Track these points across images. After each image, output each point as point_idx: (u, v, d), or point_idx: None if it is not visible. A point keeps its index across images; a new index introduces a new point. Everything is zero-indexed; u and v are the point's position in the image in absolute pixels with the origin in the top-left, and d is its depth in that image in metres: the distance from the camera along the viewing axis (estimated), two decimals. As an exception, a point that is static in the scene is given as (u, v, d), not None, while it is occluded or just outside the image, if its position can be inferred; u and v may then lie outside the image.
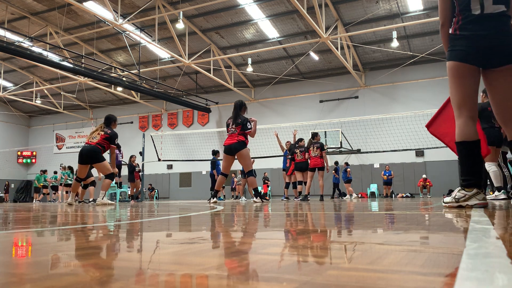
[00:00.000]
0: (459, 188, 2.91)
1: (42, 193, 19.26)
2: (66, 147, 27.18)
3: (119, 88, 21.45)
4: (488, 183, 6.39)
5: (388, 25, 15.55)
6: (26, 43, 18.23)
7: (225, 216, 2.89)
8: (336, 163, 15.25)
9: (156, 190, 22.56)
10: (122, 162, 13.57)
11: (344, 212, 3.15)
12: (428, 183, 16.54)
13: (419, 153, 18.15)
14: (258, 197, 7.18)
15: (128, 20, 14.86)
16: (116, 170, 9.32)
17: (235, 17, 16.72)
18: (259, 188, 14.33)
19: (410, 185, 18.25)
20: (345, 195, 15.43)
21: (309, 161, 10.23)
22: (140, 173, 13.94)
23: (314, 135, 10.44)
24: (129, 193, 15.02)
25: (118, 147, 8.18)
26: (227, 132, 7.24)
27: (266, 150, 15.19)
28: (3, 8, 16.26)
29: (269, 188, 18.92)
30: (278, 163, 16.18)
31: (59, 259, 0.91)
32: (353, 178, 16.73)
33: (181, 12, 14.90)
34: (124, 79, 18.89)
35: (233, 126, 7.08)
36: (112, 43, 19.46)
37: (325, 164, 9.95)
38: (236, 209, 4.33)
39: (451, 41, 2.97)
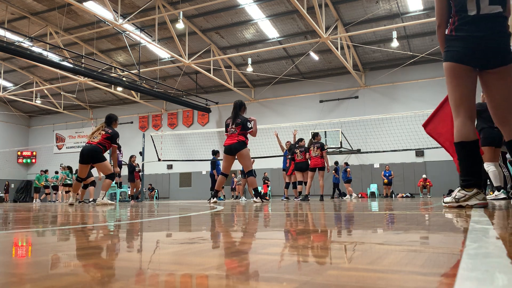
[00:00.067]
0: (459, 188, 2.91)
1: (45, 193, 19.25)
2: (66, 147, 27.18)
3: (119, 88, 21.45)
4: (488, 183, 6.39)
5: (388, 25, 15.55)
6: (26, 43, 18.23)
7: (225, 216, 2.89)
8: (336, 163, 15.25)
9: (156, 190, 22.56)
10: (122, 162, 13.58)
11: (344, 212, 3.15)
12: (428, 183, 16.55)
13: (419, 153, 18.15)
14: (258, 197, 7.18)
15: (128, 20, 14.86)
16: (118, 169, 9.31)
17: (235, 17, 16.72)
18: (259, 188, 14.34)
19: (410, 185, 18.26)
20: (345, 195, 15.43)
21: (309, 161, 10.23)
22: (140, 173, 13.95)
23: (315, 135, 10.43)
24: (129, 193, 15.02)
25: (118, 147, 8.17)
26: (226, 132, 7.25)
27: (266, 150, 15.18)
28: (3, 8, 16.26)
29: (269, 188, 18.93)
30: (278, 163, 16.18)
31: (59, 259, 0.91)
32: (353, 178, 16.73)
33: (181, 12, 14.90)
34: (124, 79, 18.89)
35: (233, 126, 7.08)
36: (112, 43, 19.46)
37: (326, 164, 9.95)
38: (236, 209, 4.33)
39: (447, 42, 2.97)
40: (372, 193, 18.43)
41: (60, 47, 16.64)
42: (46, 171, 19.54)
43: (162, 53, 19.11)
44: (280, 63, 19.99)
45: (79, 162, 7.57)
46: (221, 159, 7.71)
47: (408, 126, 13.87)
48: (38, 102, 24.18)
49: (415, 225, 1.73)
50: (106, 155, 8.07)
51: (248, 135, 7.18)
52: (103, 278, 0.66)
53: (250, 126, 7.05)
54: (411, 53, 17.63)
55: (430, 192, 16.64)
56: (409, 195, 17.57)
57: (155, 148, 15.19)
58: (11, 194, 25.34)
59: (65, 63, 16.74)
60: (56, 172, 19.32)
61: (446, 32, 2.99)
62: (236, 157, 7.12)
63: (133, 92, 21.96)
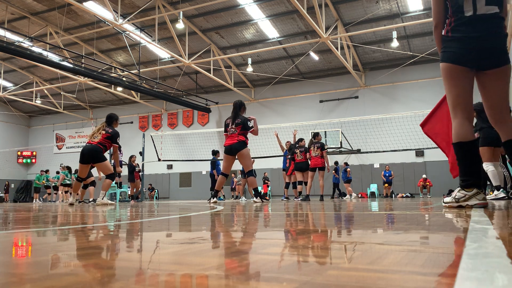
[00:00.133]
0: (459, 188, 2.92)
1: (47, 193, 19.24)
2: (66, 147, 27.18)
3: (119, 88, 21.45)
4: (488, 183, 6.39)
5: (388, 25, 15.55)
6: (26, 43, 18.23)
7: (225, 216, 2.89)
8: (336, 163, 15.26)
9: (156, 190, 22.57)
10: (122, 162, 13.58)
11: (344, 212, 3.15)
12: (428, 183, 16.55)
13: (419, 153, 18.15)
14: (258, 197, 7.18)
15: (128, 20, 14.86)
16: (121, 169, 9.31)
17: (235, 17, 16.72)
18: (259, 188, 14.33)
19: (410, 185, 18.25)
20: (345, 195, 15.43)
21: (309, 161, 10.23)
22: (140, 173, 13.95)
23: (315, 135, 10.44)
24: (129, 193, 15.02)
25: (119, 146, 8.16)
26: (225, 132, 7.25)
27: (266, 150, 15.18)
28: (3, 8, 16.26)
29: (269, 188, 18.93)
30: (278, 163, 16.18)
31: (59, 259, 0.91)
32: (353, 178, 16.74)
33: (181, 12, 14.90)
34: (124, 79, 18.89)
35: (233, 126, 7.08)
36: (112, 43, 19.46)
37: (326, 164, 9.95)
38: (236, 209, 4.33)
39: (444, 42, 2.97)
40: (372, 193, 18.43)
41: (60, 47, 16.64)
42: (47, 171, 19.53)
43: (162, 53, 19.11)
44: (280, 63, 19.99)
45: (79, 162, 7.56)
46: (221, 159, 7.71)
47: (408, 126, 13.87)
48: (38, 102, 24.18)
49: (415, 225, 1.73)
50: (107, 155, 8.05)
51: (250, 135, 7.18)
52: (103, 278, 0.66)
53: (251, 125, 7.05)
54: (411, 53, 17.63)
55: (430, 192, 16.64)
56: (409, 195, 17.57)
57: (155, 148, 15.19)
58: (11, 194, 25.34)
59: (65, 63, 16.74)
60: (58, 172, 19.33)
61: (443, 33, 2.99)
62: (236, 157, 7.13)
63: (133, 92, 21.96)
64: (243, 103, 7.36)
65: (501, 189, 5.73)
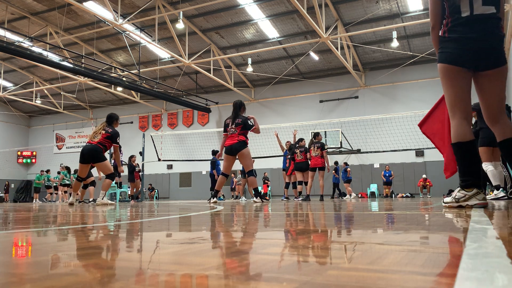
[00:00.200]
0: (459, 188, 2.92)
1: (49, 193, 19.24)
2: (66, 147, 27.18)
3: (119, 88, 21.45)
4: (488, 183, 6.38)
5: (388, 25, 15.55)
6: (26, 43, 18.22)
7: (225, 216, 2.89)
8: (336, 163, 15.26)
9: (156, 190, 22.57)
10: (122, 162, 13.57)
11: (344, 212, 3.15)
12: (428, 183, 16.54)
13: (419, 153, 18.14)
14: (258, 197, 7.19)
15: (128, 20, 14.86)
16: (123, 169, 9.30)
17: (235, 17, 16.72)
18: (259, 188, 14.34)
19: (410, 185, 18.25)
20: (345, 195, 15.43)
21: (309, 161, 10.23)
22: (140, 173, 13.95)
23: (316, 135, 10.44)
24: (129, 193, 15.03)
25: (119, 147, 8.16)
26: (224, 132, 7.26)
27: (266, 150, 15.19)
28: (3, 8, 16.26)
29: (269, 188, 18.93)
30: (278, 163, 16.18)
31: (59, 259, 0.91)
32: (353, 178, 16.75)
33: (181, 12, 14.90)
34: (124, 79, 18.89)
35: (233, 127, 7.08)
36: (112, 43, 19.46)
37: (326, 164, 9.95)
38: (236, 209, 4.33)
39: (441, 43, 2.98)
40: (372, 193, 18.43)
41: (60, 47, 16.64)
42: (48, 171, 19.51)
43: (162, 53, 19.11)
44: (280, 63, 19.99)
45: (79, 161, 7.56)
46: (221, 159, 7.71)
47: (408, 126, 13.88)
48: (38, 102, 24.18)
49: (415, 225, 1.73)
50: (107, 155, 8.04)
51: (251, 134, 7.19)
52: (103, 278, 0.66)
53: (251, 124, 7.06)
54: (411, 53, 17.63)
55: (430, 192, 16.63)
56: (409, 195, 17.57)
57: (155, 148, 15.20)
58: (11, 194, 25.34)
59: (65, 63, 16.74)
60: (59, 173, 19.35)
61: (440, 34, 2.99)
62: (237, 157, 7.13)
63: (133, 92, 21.96)
64: (243, 103, 7.36)
65: (501, 189, 5.73)
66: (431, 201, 7.18)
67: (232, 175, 18.34)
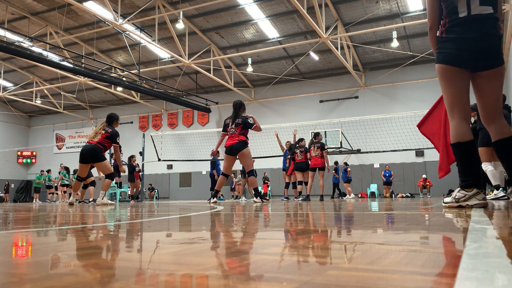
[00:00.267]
0: (459, 188, 2.92)
1: (50, 193, 19.24)
2: (66, 147, 27.18)
3: (119, 88, 21.45)
4: (488, 183, 6.38)
5: (388, 25, 15.55)
6: (26, 43, 18.22)
7: (225, 216, 2.89)
8: (336, 163, 15.27)
9: (156, 190, 22.57)
10: (122, 162, 13.57)
11: (344, 212, 3.15)
12: (428, 183, 16.54)
13: (419, 153, 18.14)
14: (258, 197, 7.19)
15: (128, 20, 14.86)
16: (124, 169, 9.29)
17: (235, 17, 16.72)
18: (259, 188, 14.34)
19: (410, 185, 18.25)
20: (345, 195, 15.44)
21: (309, 161, 10.23)
22: (140, 173, 13.95)
23: (316, 135, 10.44)
24: (129, 193, 15.03)
25: (119, 147, 8.16)
26: (223, 131, 7.26)
27: (266, 150, 15.19)
28: (3, 8, 16.26)
29: (269, 188, 18.93)
30: (278, 163, 16.18)
31: (59, 259, 0.91)
32: (353, 178, 16.75)
33: (181, 12, 14.90)
34: (124, 79, 18.89)
35: (233, 127, 7.08)
36: (112, 43, 19.46)
37: (326, 164, 9.95)
38: (236, 209, 4.33)
39: (438, 43, 2.98)
40: (372, 193, 18.43)
41: (60, 47, 16.63)
42: (48, 171, 19.50)
43: (162, 53, 19.11)
44: (280, 63, 19.99)
45: (79, 161, 7.56)
46: (221, 159, 7.72)
47: (408, 126, 13.87)
48: (38, 102, 24.17)
49: (415, 225, 1.73)
50: (107, 155, 8.04)
51: (252, 133, 7.19)
52: (103, 278, 0.66)
53: (252, 123, 7.06)
54: (411, 53, 17.63)
55: (430, 192, 16.63)
56: (409, 195, 17.57)
57: (155, 148, 15.20)
58: (11, 194, 25.34)
59: (65, 63, 16.74)
60: (60, 173, 19.35)
61: (437, 34, 2.99)
62: (237, 157, 7.13)
63: (133, 92, 21.96)
64: (242, 103, 7.37)
65: (501, 189, 5.73)
66: (431, 201, 7.18)
67: (232, 175, 18.34)
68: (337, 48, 16.30)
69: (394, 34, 15.18)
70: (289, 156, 11.68)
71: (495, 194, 5.75)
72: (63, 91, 23.08)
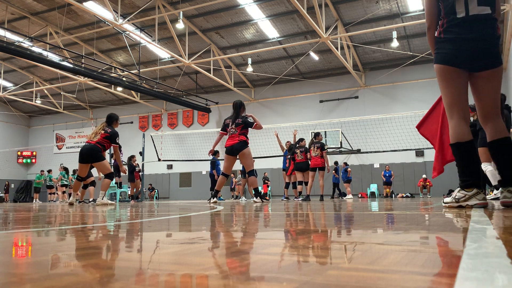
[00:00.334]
0: (459, 188, 2.91)
1: (52, 193, 19.25)
2: (66, 147, 27.18)
3: (119, 88, 21.45)
4: (487, 183, 6.37)
5: (388, 25, 15.55)
6: (26, 43, 18.22)
7: (225, 216, 2.89)
8: (336, 163, 15.27)
9: (156, 190, 22.56)
10: (122, 162, 13.58)
11: (344, 212, 3.15)
12: (428, 183, 16.53)
13: (419, 153, 18.15)
14: (258, 197, 7.19)
15: (128, 20, 14.86)
16: (125, 169, 9.28)
17: (235, 17, 16.72)
18: (259, 188, 14.35)
19: (410, 185, 18.25)
20: (345, 195, 15.44)
21: (309, 161, 10.23)
22: (140, 173, 13.95)
23: (316, 135, 10.44)
24: (129, 193, 15.03)
25: (119, 146, 8.16)
26: (222, 130, 7.27)
27: (266, 150, 15.19)
28: (3, 8, 16.26)
29: (269, 188, 18.93)
30: (278, 163, 16.18)
31: (59, 259, 0.91)
32: (353, 178, 16.75)
33: (181, 12, 14.90)
34: (124, 79, 18.89)
35: (233, 127, 7.08)
36: (112, 43, 19.46)
37: (326, 164, 9.95)
38: (236, 209, 4.33)
39: (437, 44, 2.98)
40: (372, 193, 18.43)
41: (60, 47, 16.63)
42: (49, 171, 19.49)
43: (162, 53, 19.11)
44: (280, 63, 19.99)
45: (78, 161, 7.56)
46: (221, 159, 7.72)
47: (408, 126, 13.87)
48: (38, 102, 24.17)
49: (415, 225, 1.73)
50: (107, 155, 8.04)
51: (252, 133, 7.19)
52: (103, 278, 0.66)
53: (252, 121, 7.06)
54: (411, 53, 17.63)
55: (430, 192, 16.62)
56: (409, 195, 17.57)
57: (155, 148, 15.20)
58: (11, 194, 25.33)
59: (65, 63, 16.74)
60: None
61: (435, 34, 2.99)
62: (237, 157, 7.14)
63: (133, 92, 21.96)
64: (242, 103, 7.38)
65: (500, 189, 5.72)
66: (431, 201, 7.18)
67: (232, 175, 18.34)
68: (337, 48, 16.30)
69: (394, 34, 15.18)
70: (289, 156, 11.68)
71: (495, 194, 5.74)
72: (63, 91, 23.08)
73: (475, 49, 2.78)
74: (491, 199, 5.40)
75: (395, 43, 15.58)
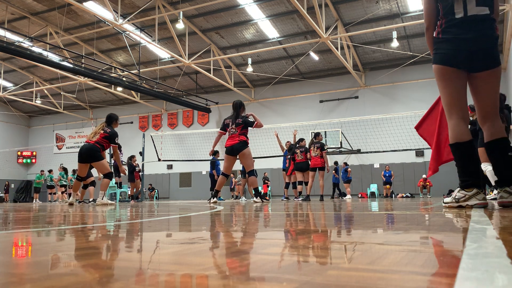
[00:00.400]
0: (459, 188, 2.91)
1: (52, 193, 19.25)
2: (66, 147, 27.18)
3: (119, 88, 21.45)
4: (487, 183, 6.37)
5: (388, 25, 15.55)
6: (26, 43, 18.22)
7: (225, 216, 2.89)
8: (336, 163, 15.26)
9: (156, 190, 22.56)
10: (122, 162, 13.58)
11: (344, 212, 3.15)
12: (428, 183, 16.53)
13: (419, 153, 18.15)
14: (258, 197, 7.19)
15: (128, 20, 14.86)
16: (125, 169, 9.28)
17: (235, 17, 16.72)
18: (259, 188, 14.35)
19: (410, 185, 18.25)
20: (345, 195, 15.44)
21: (309, 161, 10.23)
22: (140, 173, 13.95)
23: (316, 135, 10.44)
24: (129, 193, 15.03)
25: (119, 146, 8.16)
26: (221, 130, 7.28)
27: (266, 150, 15.19)
28: (3, 8, 16.26)
29: (269, 188, 18.93)
30: (278, 163, 16.18)
31: (59, 259, 0.91)
32: (353, 178, 16.75)
33: (181, 12, 14.90)
34: (124, 79, 18.88)
35: (233, 127, 7.08)
36: (112, 43, 19.45)
37: (326, 164, 9.95)
38: (236, 209, 4.33)
39: (435, 44, 2.98)
40: (372, 193, 18.43)
41: (60, 47, 16.63)
42: (50, 171, 19.48)
43: (162, 53, 19.11)
44: (280, 63, 19.99)
45: (78, 161, 7.56)
46: (221, 159, 7.72)
47: (408, 126, 13.86)
48: (38, 102, 24.17)
49: (415, 225, 1.73)
50: (107, 155, 8.04)
51: (252, 133, 7.19)
52: (103, 278, 0.66)
53: (252, 120, 7.07)
54: (411, 53, 17.63)
55: (430, 192, 16.62)
56: (409, 195, 17.57)
57: (155, 148, 15.20)
58: (11, 194, 25.33)
59: (65, 63, 16.74)
60: None
61: (434, 35, 2.99)
62: (237, 158, 7.14)
63: (133, 92, 21.96)
64: (242, 103, 7.38)
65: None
66: (431, 201, 7.18)
67: (232, 175, 18.34)
68: (337, 48, 16.30)
69: (394, 34, 15.18)
70: (289, 156, 11.68)
71: (495, 194, 5.74)
72: (63, 91, 23.08)
73: (474, 50, 2.78)
74: (491, 199, 5.40)
75: (395, 43, 15.58)
